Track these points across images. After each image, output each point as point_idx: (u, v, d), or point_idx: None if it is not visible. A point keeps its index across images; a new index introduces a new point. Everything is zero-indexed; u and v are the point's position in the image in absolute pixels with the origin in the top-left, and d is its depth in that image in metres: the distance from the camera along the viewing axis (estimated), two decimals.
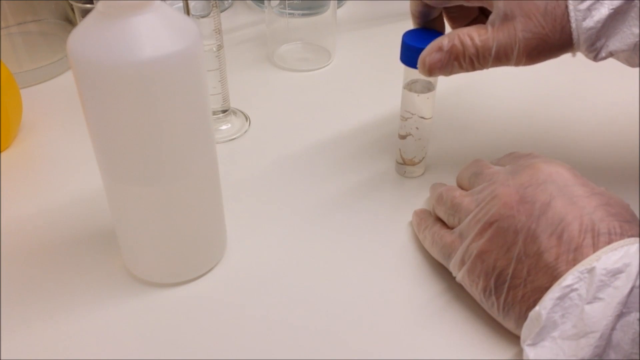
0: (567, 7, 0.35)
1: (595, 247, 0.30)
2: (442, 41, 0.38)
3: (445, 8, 0.43)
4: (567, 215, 0.31)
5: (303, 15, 0.62)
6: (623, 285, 0.28)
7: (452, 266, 0.36)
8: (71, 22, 0.64)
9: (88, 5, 0.51)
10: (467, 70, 0.39)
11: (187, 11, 0.47)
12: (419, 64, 0.40)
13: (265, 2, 0.62)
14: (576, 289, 0.29)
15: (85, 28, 0.31)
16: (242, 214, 0.44)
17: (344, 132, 0.53)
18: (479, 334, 0.35)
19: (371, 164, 0.49)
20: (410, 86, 0.45)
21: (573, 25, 0.36)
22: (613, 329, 0.28)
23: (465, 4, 0.40)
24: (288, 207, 0.45)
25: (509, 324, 0.33)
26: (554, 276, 0.30)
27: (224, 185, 0.39)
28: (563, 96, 0.58)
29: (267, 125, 0.55)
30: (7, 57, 0.59)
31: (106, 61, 0.29)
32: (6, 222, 0.44)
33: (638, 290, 0.28)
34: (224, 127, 0.53)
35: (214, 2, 0.47)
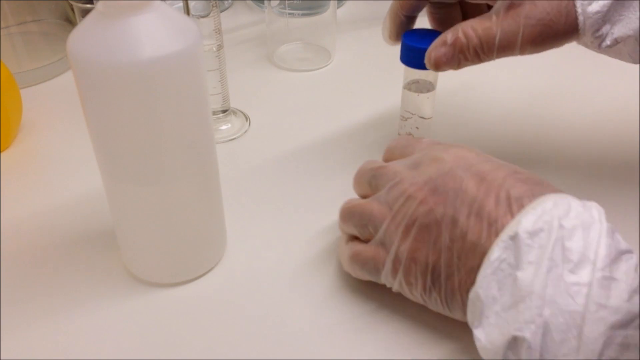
0: None
1: (513, 214, 0.30)
2: (446, 35, 0.39)
3: (461, 6, 0.44)
4: (480, 193, 0.32)
5: (303, 15, 0.62)
6: (546, 242, 0.29)
7: (385, 277, 0.35)
8: (71, 22, 0.64)
9: (88, 5, 0.51)
10: (475, 62, 0.39)
11: (187, 11, 0.47)
12: (425, 60, 0.40)
13: (265, 2, 0.62)
14: (504, 259, 0.29)
15: (85, 28, 0.31)
16: (242, 214, 0.44)
17: (344, 132, 0.53)
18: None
19: None
20: (410, 86, 0.45)
21: (579, 9, 0.36)
22: (546, 286, 0.28)
23: None
24: (288, 207, 0.45)
25: (457, 314, 0.33)
26: (481, 253, 0.31)
27: (224, 185, 0.39)
28: (562, 96, 0.58)
29: (267, 125, 0.55)
30: (7, 57, 0.59)
31: (106, 61, 0.29)
32: (6, 222, 0.44)
33: (561, 243, 0.29)
34: (224, 127, 0.53)
35: (213, 2, 0.47)
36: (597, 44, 0.37)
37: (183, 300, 0.38)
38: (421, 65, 0.41)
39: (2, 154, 0.51)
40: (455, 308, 0.33)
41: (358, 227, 0.36)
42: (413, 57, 0.41)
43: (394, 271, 0.34)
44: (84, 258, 0.41)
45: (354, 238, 0.37)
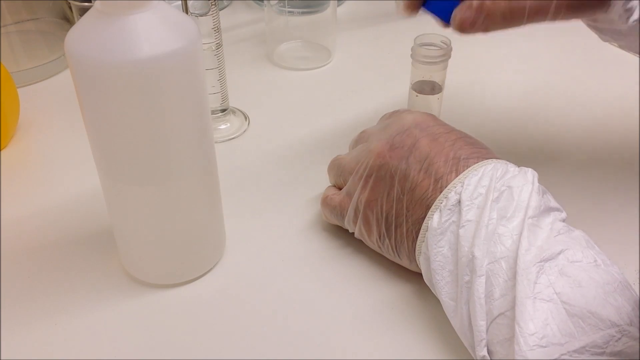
0: None
1: (457, 172, 0.34)
2: None
3: None
4: (431, 151, 0.36)
5: (303, 13, 0.62)
6: (483, 203, 0.33)
7: (347, 223, 0.39)
8: (69, 21, 0.64)
9: (86, 4, 0.51)
10: (504, 27, 0.37)
11: (186, 9, 0.46)
12: (451, 21, 0.38)
13: (265, 0, 0.62)
14: (453, 221, 0.33)
15: (83, 26, 0.30)
16: (241, 214, 0.44)
17: (344, 132, 0.53)
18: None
19: None
20: (417, 87, 0.45)
21: None
22: (483, 240, 0.31)
23: None
24: (287, 206, 0.45)
25: (404, 261, 0.37)
26: (427, 205, 0.35)
27: (223, 184, 0.39)
28: (565, 96, 0.58)
29: (266, 124, 0.54)
30: (4, 56, 0.59)
31: (104, 60, 0.29)
32: (3, 221, 0.44)
33: (496, 202, 0.32)
34: (223, 126, 0.53)
35: (212, 0, 0.46)
36: (626, 17, 0.37)
37: (182, 301, 0.38)
38: (446, 18, 0.38)
39: (0, 153, 0.51)
40: (402, 254, 0.37)
41: (336, 177, 0.41)
42: (441, 5, 0.38)
43: (355, 218, 0.38)
44: (82, 258, 0.41)
45: (333, 187, 0.42)
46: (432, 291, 0.35)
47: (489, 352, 0.30)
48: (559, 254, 0.30)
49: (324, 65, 0.63)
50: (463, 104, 0.56)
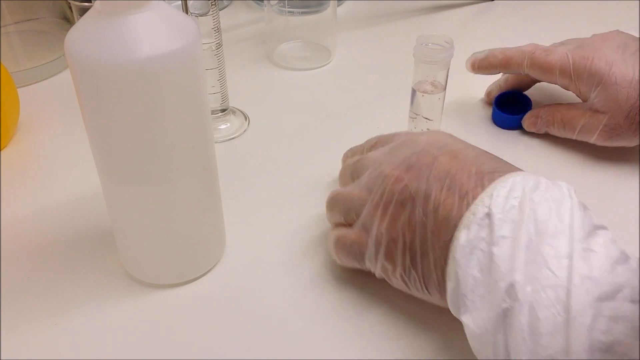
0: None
1: (484, 187, 0.31)
2: (540, 111, 0.50)
3: None
4: (452, 167, 0.33)
5: (303, 13, 0.62)
6: (518, 216, 0.29)
7: (368, 260, 0.35)
8: (69, 21, 0.64)
9: (86, 4, 0.51)
10: (556, 134, 0.50)
11: (186, 9, 0.46)
12: (522, 122, 0.52)
13: (265, 0, 0.62)
14: (482, 237, 0.29)
15: (83, 26, 0.30)
16: (241, 214, 0.44)
17: (344, 132, 0.53)
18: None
19: None
20: (419, 86, 0.45)
21: None
22: (524, 262, 0.28)
23: (565, 88, 0.49)
24: (287, 206, 0.45)
25: (435, 296, 0.33)
26: (453, 226, 0.31)
27: (223, 184, 0.39)
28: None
29: (266, 124, 0.54)
30: (4, 56, 0.59)
31: (104, 60, 0.29)
32: (3, 221, 0.44)
33: (534, 216, 0.29)
34: (222, 126, 0.53)
35: (212, 0, 0.46)
36: None
37: (182, 301, 0.38)
38: (509, 126, 0.53)
39: (0, 153, 0.51)
40: (432, 288, 0.33)
41: (343, 214, 0.37)
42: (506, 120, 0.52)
43: (376, 253, 0.34)
44: (81, 258, 0.40)
45: (341, 226, 0.38)
46: (456, 316, 0.31)
47: None
48: (618, 292, 0.26)
49: (324, 65, 0.63)
50: (464, 103, 0.56)
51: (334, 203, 0.38)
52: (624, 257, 0.28)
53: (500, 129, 0.53)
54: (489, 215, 0.30)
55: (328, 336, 0.36)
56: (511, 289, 0.27)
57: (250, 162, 0.50)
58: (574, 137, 0.49)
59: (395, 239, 0.33)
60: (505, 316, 0.28)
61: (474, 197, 0.31)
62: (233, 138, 0.53)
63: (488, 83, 0.57)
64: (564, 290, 0.26)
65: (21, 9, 0.62)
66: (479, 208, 0.30)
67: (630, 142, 0.46)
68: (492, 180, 0.31)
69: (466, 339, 0.30)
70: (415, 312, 0.36)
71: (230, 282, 0.39)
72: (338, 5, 0.74)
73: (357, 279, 0.39)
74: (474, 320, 0.29)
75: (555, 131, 0.50)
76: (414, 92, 0.45)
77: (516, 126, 0.52)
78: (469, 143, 0.36)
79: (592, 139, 0.47)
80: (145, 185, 0.34)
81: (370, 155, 0.38)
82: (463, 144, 0.36)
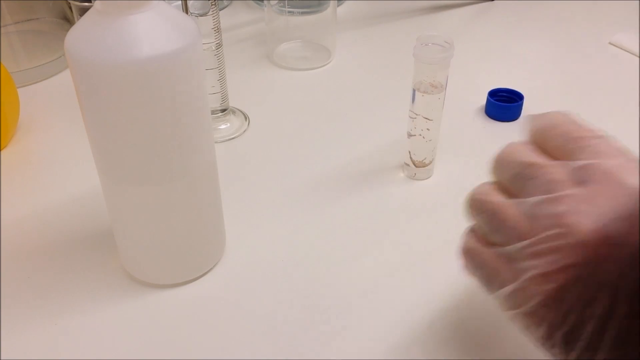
0: None
1: None
2: None
3: None
4: None
5: (303, 13, 0.62)
6: None
7: (499, 296, 0.27)
8: (69, 21, 0.64)
9: (86, 4, 0.51)
10: None
11: (186, 9, 0.46)
12: None
13: (265, 0, 0.62)
14: None
15: (83, 27, 0.30)
16: (241, 214, 0.44)
17: (344, 132, 0.53)
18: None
19: (371, 164, 0.49)
20: (419, 86, 0.45)
21: None
22: None
23: None
24: (287, 206, 0.45)
25: None
26: None
27: (223, 184, 0.39)
28: (565, 96, 0.58)
29: (266, 124, 0.54)
30: (4, 56, 0.59)
31: (104, 60, 0.29)
32: (3, 221, 0.44)
33: None
34: (223, 126, 0.53)
35: (212, 0, 0.46)
36: None
37: (182, 301, 0.38)
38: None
39: (0, 153, 0.51)
40: None
41: (484, 226, 0.29)
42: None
43: (512, 303, 0.27)
44: (81, 259, 0.40)
45: (476, 233, 0.30)
46: None
47: None
48: None
49: (324, 65, 0.63)
50: (465, 103, 0.56)
51: (479, 210, 0.29)
52: None
53: (495, 121, 0.53)
54: None
55: (329, 336, 0.36)
56: None
57: (250, 162, 0.50)
58: None
59: (550, 307, 0.25)
60: None
61: None
62: (233, 138, 0.53)
63: (488, 83, 0.56)
64: None
65: (21, 9, 0.62)
66: None
67: None
68: None
69: None
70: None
71: (230, 282, 0.39)
72: (338, 5, 0.74)
73: (357, 278, 0.39)
74: None
75: None
76: (414, 92, 0.45)
77: (510, 117, 0.53)
78: None
79: None
80: (145, 185, 0.34)
81: (549, 170, 0.27)
82: None
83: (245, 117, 0.55)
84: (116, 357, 0.34)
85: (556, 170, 0.27)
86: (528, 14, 0.73)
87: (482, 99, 0.57)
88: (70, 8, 0.59)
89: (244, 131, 0.53)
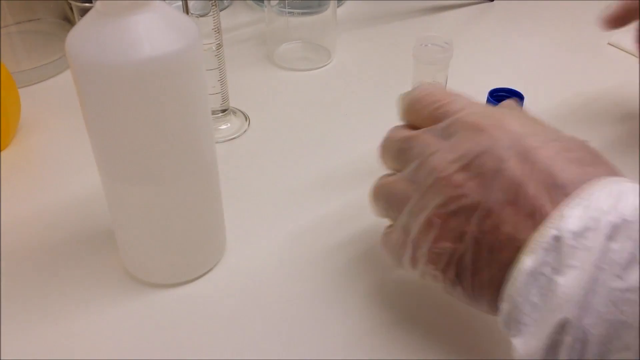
0: None
1: (555, 203, 0.26)
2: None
3: None
4: (521, 177, 0.27)
5: (303, 14, 0.62)
6: (592, 243, 0.25)
7: (406, 265, 0.32)
8: (70, 21, 0.64)
9: (87, 4, 0.51)
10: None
11: (186, 10, 0.47)
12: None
13: (265, 1, 0.62)
14: (548, 262, 0.25)
15: (84, 27, 0.30)
16: (242, 214, 0.44)
17: (344, 132, 0.53)
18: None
19: (372, 164, 0.49)
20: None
21: None
22: (587, 292, 0.24)
23: None
24: (288, 206, 0.45)
25: (482, 308, 0.30)
26: (516, 247, 0.27)
27: (224, 185, 0.39)
28: (564, 95, 0.58)
29: (266, 125, 0.54)
30: (5, 57, 0.59)
31: (105, 60, 0.29)
32: (4, 221, 0.44)
33: (608, 243, 0.24)
34: (223, 126, 0.53)
35: (213, 1, 0.47)
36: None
37: (182, 301, 0.38)
38: None
39: (0, 153, 0.51)
40: (481, 303, 0.29)
41: (386, 209, 0.33)
42: None
43: (413, 260, 0.31)
44: (82, 258, 0.41)
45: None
46: (505, 335, 0.28)
47: None
48: None
49: (324, 66, 0.63)
50: None
51: (377, 197, 0.34)
52: None
53: None
54: (558, 238, 0.25)
55: (328, 336, 0.36)
56: (567, 324, 0.24)
57: (250, 162, 0.50)
58: None
59: (441, 251, 0.29)
60: (555, 349, 0.25)
61: (544, 216, 0.26)
62: (233, 138, 0.53)
63: (488, 83, 0.57)
64: (624, 327, 0.23)
65: (22, 10, 0.62)
66: (548, 230, 0.26)
67: None
68: (566, 194, 0.26)
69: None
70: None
71: (230, 282, 0.39)
72: (338, 6, 0.74)
73: (357, 278, 0.39)
74: (524, 345, 0.26)
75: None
76: None
77: None
78: (546, 131, 0.30)
79: None
80: (146, 185, 0.34)
81: (420, 137, 0.32)
82: (537, 138, 0.29)
83: (246, 118, 0.55)
84: (116, 357, 0.34)
85: (426, 135, 0.32)
86: (528, 14, 0.73)
87: (482, 99, 0.57)
88: (71, 9, 0.59)
89: (245, 131, 0.54)
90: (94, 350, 0.35)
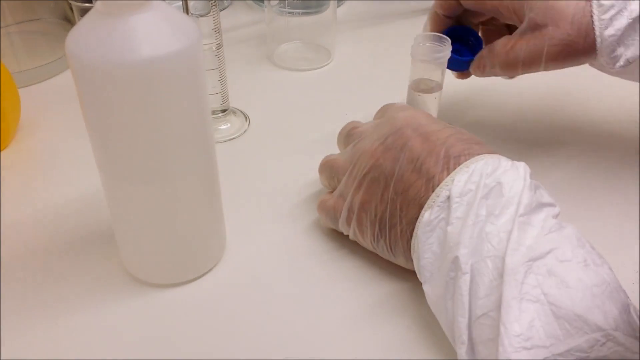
0: (592, 16, 0.40)
1: (449, 171, 0.34)
2: (483, 53, 0.45)
3: (481, 23, 0.49)
4: (423, 151, 0.36)
5: (303, 14, 0.62)
6: (472, 199, 0.32)
7: (341, 225, 0.39)
8: (70, 21, 0.64)
9: (87, 4, 0.51)
10: (504, 75, 0.46)
11: (187, 10, 0.47)
12: (470, 69, 0.47)
13: (265, 1, 0.62)
14: (442, 217, 0.33)
15: (84, 27, 0.30)
16: (242, 214, 0.44)
17: None
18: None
19: None
20: (416, 85, 0.45)
21: (597, 32, 0.40)
22: (470, 237, 0.31)
23: (500, 18, 0.46)
24: (287, 207, 0.45)
25: (400, 260, 0.37)
26: (420, 205, 0.35)
27: (224, 185, 0.39)
28: (562, 93, 0.58)
29: (266, 124, 0.54)
30: (5, 57, 0.59)
31: (105, 60, 0.29)
32: (4, 222, 0.44)
33: (485, 199, 0.32)
34: (223, 126, 0.53)
35: (213, 1, 0.47)
36: (612, 64, 0.41)
37: (182, 301, 0.38)
38: (460, 69, 0.48)
39: (0, 153, 0.51)
40: (398, 254, 0.37)
41: (329, 179, 0.42)
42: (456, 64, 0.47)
43: (349, 220, 0.38)
44: (82, 258, 0.41)
45: (329, 192, 0.42)
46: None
47: (473, 351, 0.30)
48: (548, 253, 0.30)
49: (324, 66, 0.63)
50: (460, 102, 0.56)
51: (324, 167, 0.42)
52: (558, 226, 0.31)
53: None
54: (449, 198, 0.33)
55: (328, 336, 0.36)
56: (456, 261, 0.31)
57: (250, 163, 0.50)
58: (519, 72, 0.44)
59: (367, 210, 0.37)
60: (452, 284, 0.31)
61: (439, 181, 0.34)
62: (233, 138, 0.53)
63: (488, 83, 0.57)
64: (500, 260, 0.30)
65: (22, 10, 0.62)
66: (442, 191, 0.34)
67: (587, 57, 0.42)
68: (457, 164, 0.34)
69: None
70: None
71: (230, 282, 0.39)
72: (338, 6, 0.74)
73: (355, 276, 0.39)
74: (431, 289, 0.34)
75: (500, 72, 0.45)
76: (409, 91, 0.45)
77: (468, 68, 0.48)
78: (445, 123, 0.38)
79: (541, 65, 0.43)
80: (146, 185, 0.34)
81: (361, 127, 0.41)
82: (436, 125, 0.37)
83: (246, 118, 0.55)
84: (116, 356, 0.34)
85: (366, 125, 0.41)
86: None
87: (477, 98, 0.57)
88: (71, 9, 0.59)
89: (245, 131, 0.54)
90: (94, 350, 0.35)
